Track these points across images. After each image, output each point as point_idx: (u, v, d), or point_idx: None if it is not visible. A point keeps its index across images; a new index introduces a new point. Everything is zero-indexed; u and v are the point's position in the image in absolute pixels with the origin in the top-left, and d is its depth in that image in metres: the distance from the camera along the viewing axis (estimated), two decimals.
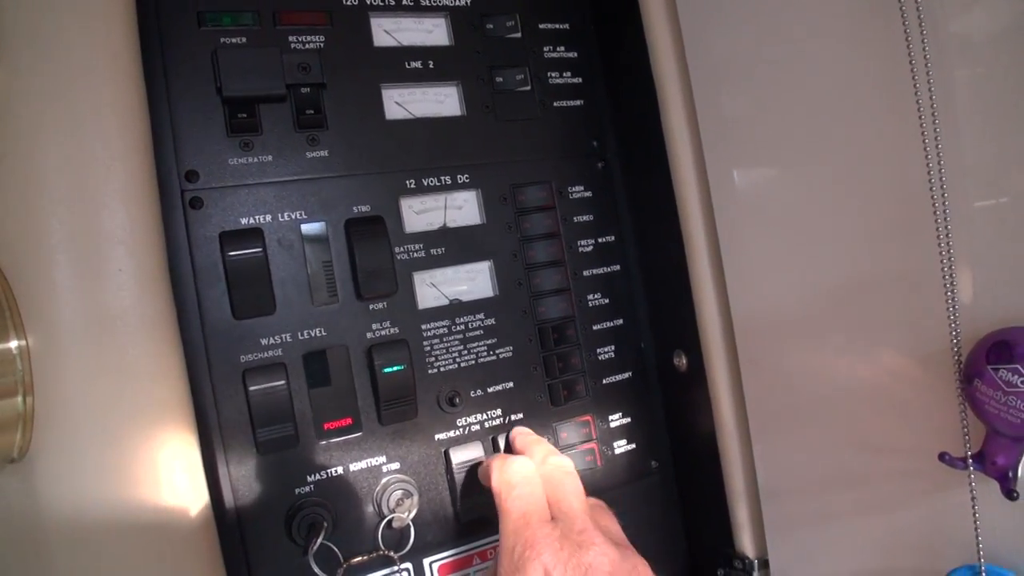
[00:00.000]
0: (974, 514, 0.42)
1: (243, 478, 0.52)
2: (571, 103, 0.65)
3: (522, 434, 0.58)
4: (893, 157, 0.45)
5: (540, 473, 0.51)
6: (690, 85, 0.58)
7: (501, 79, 0.62)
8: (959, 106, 0.41)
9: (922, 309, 0.44)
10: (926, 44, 0.41)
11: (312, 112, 0.55)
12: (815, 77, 0.49)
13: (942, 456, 0.42)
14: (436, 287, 0.59)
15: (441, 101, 0.61)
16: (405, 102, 0.59)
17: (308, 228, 0.55)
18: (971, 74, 0.42)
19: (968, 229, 0.41)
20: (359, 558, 0.53)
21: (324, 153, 0.56)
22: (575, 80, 0.66)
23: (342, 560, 0.52)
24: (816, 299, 0.52)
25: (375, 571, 0.55)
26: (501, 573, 0.46)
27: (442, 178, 0.59)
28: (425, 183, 0.59)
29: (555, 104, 0.65)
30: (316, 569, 0.51)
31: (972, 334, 0.41)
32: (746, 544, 0.60)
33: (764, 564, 0.59)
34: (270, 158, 0.54)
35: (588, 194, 0.65)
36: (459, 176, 0.60)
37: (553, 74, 0.65)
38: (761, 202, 0.55)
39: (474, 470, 0.57)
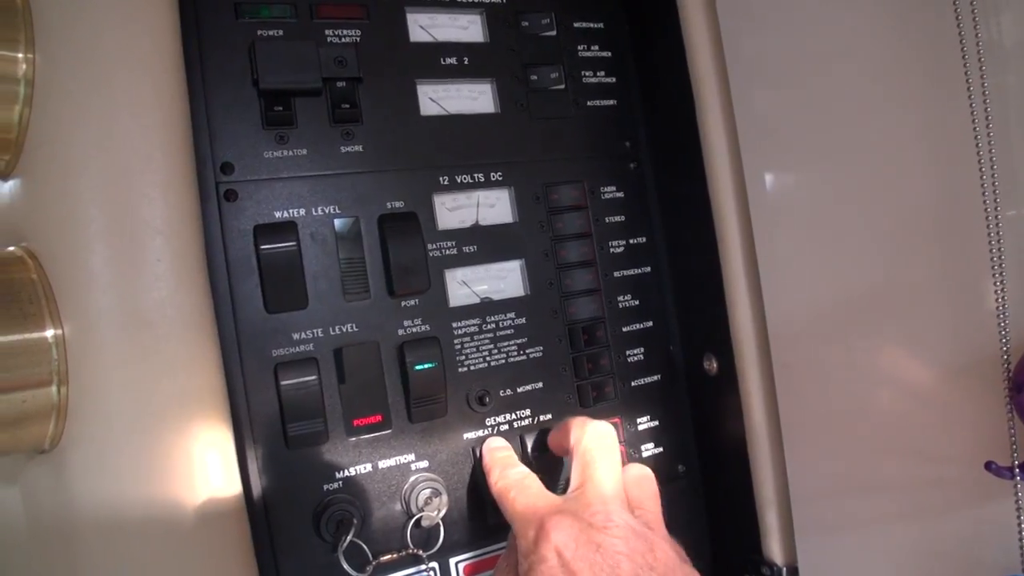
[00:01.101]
0: (1019, 525, 0.41)
1: (272, 473, 0.52)
2: (605, 102, 0.65)
3: (490, 450, 0.56)
4: (939, 159, 0.45)
5: (577, 444, 0.50)
6: (727, 84, 0.57)
7: (535, 77, 0.62)
8: (1012, 108, 0.41)
9: (967, 315, 0.44)
10: (980, 43, 0.40)
11: (347, 106, 0.55)
12: (858, 76, 0.49)
13: (988, 465, 0.41)
14: (467, 285, 0.58)
15: (475, 98, 0.60)
16: (439, 98, 0.59)
17: (341, 223, 0.55)
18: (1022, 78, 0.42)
19: (1018, 234, 0.41)
20: (388, 556, 0.52)
21: (359, 148, 0.55)
22: (609, 79, 0.65)
23: (371, 558, 0.52)
24: (855, 303, 0.51)
25: (401, 569, 0.55)
26: (519, 558, 0.45)
27: (475, 175, 0.59)
28: (458, 180, 0.58)
29: (588, 103, 0.64)
30: (346, 566, 0.50)
31: (1019, 342, 0.41)
32: (774, 551, 0.60)
33: (793, 572, 0.59)
34: (305, 152, 0.54)
35: (620, 195, 0.65)
36: (492, 174, 0.60)
37: (587, 73, 0.64)
38: (799, 204, 0.55)
39: None
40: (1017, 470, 0.40)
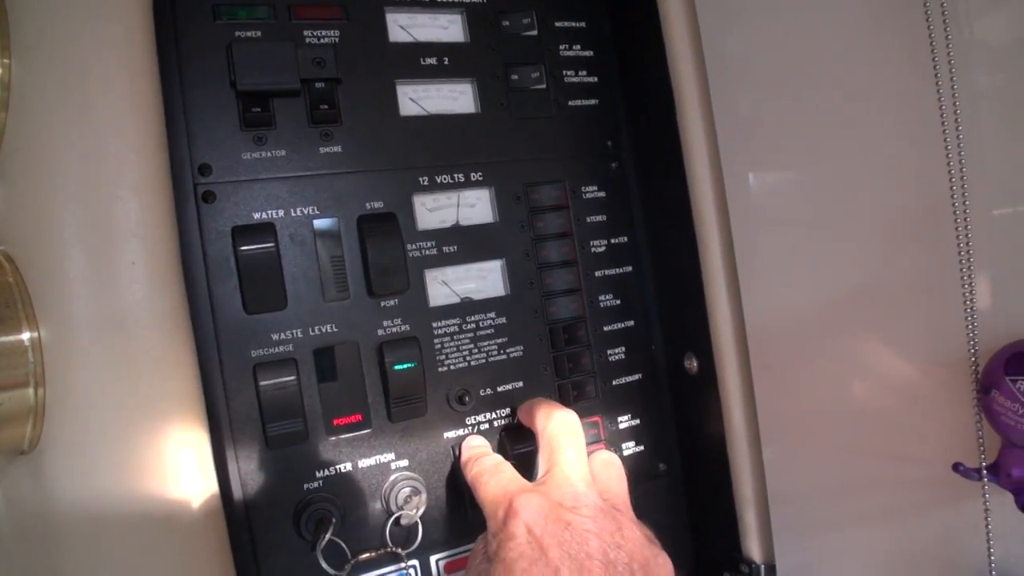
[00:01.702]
0: (987, 526, 0.42)
1: (252, 473, 0.52)
2: (586, 102, 0.65)
3: (469, 447, 0.57)
4: (912, 163, 0.45)
5: (540, 426, 0.51)
6: (707, 85, 0.58)
7: (516, 77, 0.62)
8: (982, 112, 0.41)
9: (939, 318, 0.44)
10: (951, 47, 0.40)
11: (326, 107, 0.55)
12: (835, 80, 0.49)
13: (956, 466, 0.42)
14: (448, 285, 0.58)
15: (455, 98, 0.60)
16: (419, 98, 0.59)
17: (320, 224, 0.55)
18: (994, 79, 0.42)
19: (988, 238, 0.41)
20: (367, 554, 0.53)
21: (338, 148, 0.56)
22: (591, 79, 0.65)
23: (350, 556, 0.52)
24: (831, 305, 0.51)
25: (382, 568, 0.55)
26: (488, 539, 0.46)
27: (455, 175, 0.59)
28: (438, 180, 0.59)
29: (570, 103, 0.64)
30: (324, 564, 0.51)
31: (990, 344, 0.41)
32: (753, 549, 0.60)
33: (771, 570, 0.59)
34: (283, 153, 0.54)
35: (602, 194, 0.65)
36: (472, 174, 0.60)
37: (568, 73, 0.64)
38: (777, 206, 0.55)
39: None
40: (984, 471, 0.41)
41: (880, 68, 0.46)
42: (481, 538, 0.48)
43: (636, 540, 0.44)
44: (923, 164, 0.43)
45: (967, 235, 0.40)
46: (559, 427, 0.51)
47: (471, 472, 0.51)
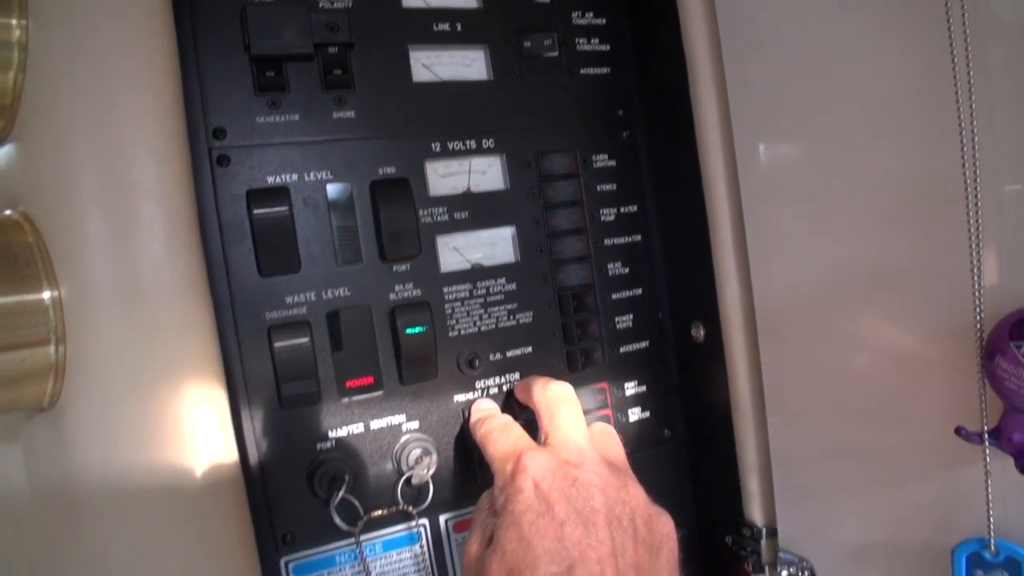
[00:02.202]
0: (987, 488, 0.43)
1: (267, 433, 0.53)
2: (598, 71, 0.65)
3: (478, 409, 0.58)
4: (924, 137, 0.45)
5: (538, 399, 0.52)
6: (721, 55, 0.57)
7: (529, 44, 0.62)
8: (996, 87, 0.41)
9: (946, 285, 0.45)
10: (967, 22, 0.40)
11: (339, 72, 0.55)
12: (850, 52, 0.49)
13: (958, 430, 0.42)
14: (459, 251, 0.59)
15: (468, 65, 0.60)
16: (432, 65, 0.59)
17: (333, 188, 0.55)
18: (1009, 55, 0.42)
19: (997, 210, 0.41)
20: (379, 512, 0.54)
21: (351, 114, 0.56)
22: (603, 47, 0.65)
23: (362, 513, 0.53)
24: (839, 273, 0.52)
25: (393, 526, 0.57)
26: (495, 492, 0.47)
27: (467, 142, 0.60)
28: (450, 147, 0.59)
29: (582, 71, 0.64)
30: (338, 521, 0.52)
31: (995, 311, 0.42)
32: (755, 513, 0.61)
33: (772, 532, 0.60)
34: (297, 117, 0.54)
35: (612, 163, 0.65)
36: (484, 141, 0.60)
37: (581, 40, 0.64)
38: (788, 177, 0.55)
39: None
40: (986, 435, 0.41)
41: (895, 43, 0.46)
42: (487, 493, 0.49)
43: (639, 497, 0.45)
44: (934, 139, 0.44)
45: (976, 209, 0.41)
46: (555, 395, 0.52)
47: (481, 431, 0.52)
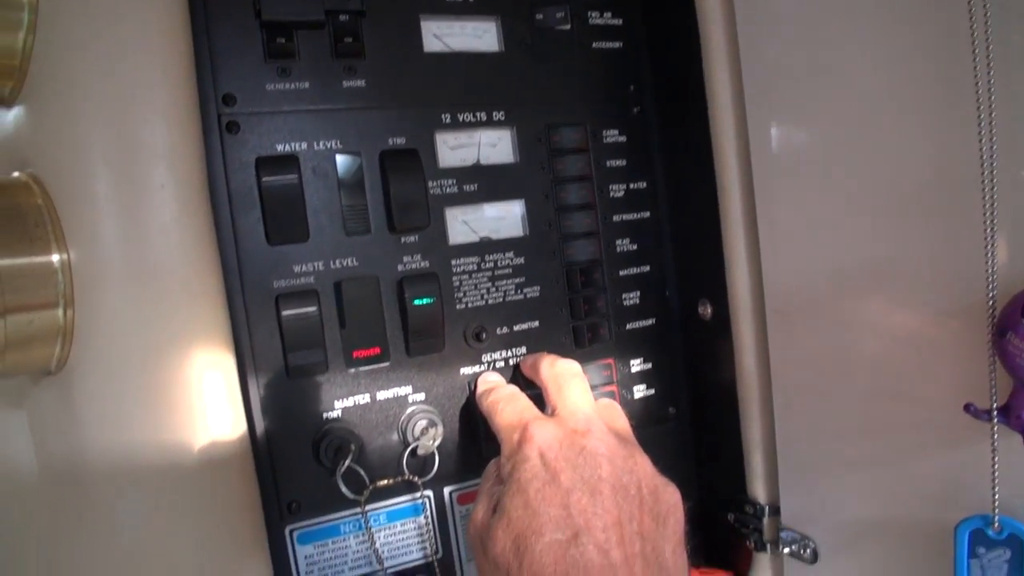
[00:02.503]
0: (993, 466, 0.43)
1: (273, 402, 0.53)
2: (610, 45, 0.64)
3: (484, 380, 0.58)
4: (940, 118, 0.45)
5: (545, 375, 0.52)
6: (735, 31, 0.57)
7: (541, 16, 0.61)
8: (1015, 68, 0.41)
9: (954, 267, 0.45)
10: (987, 3, 0.40)
11: (350, 40, 0.55)
12: (868, 30, 0.49)
13: (967, 407, 0.42)
14: (467, 224, 0.59)
15: (479, 36, 0.60)
16: (443, 35, 0.59)
17: (343, 158, 0.55)
18: None
19: (1012, 190, 0.41)
20: (385, 481, 0.54)
21: (361, 83, 0.55)
22: (615, 21, 0.65)
23: (368, 482, 0.53)
24: (849, 253, 0.52)
25: (398, 496, 0.57)
26: (501, 461, 0.47)
27: (477, 114, 0.59)
28: (460, 118, 0.58)
29: (594, 45, 0.64)
30: (344, 489, 0.52)
31: (1008, 289, 0.42)
32: (759, 491, 0.62)
33: (775, 510, 0.61)
34: (307, 85, 0.54)
35: (622, 139, 0.65)
36: (494, 113, 0.60)
37: (593, 14, 0.64)
38: (801, 155, 0.55)
39: None
40: (995, 412, 0.41)
41: (914, 23, 0.46)
42: (493, 462, 0.49)
43: (646, 467, 0.46)
44: (949, 121, 0.44)
45: (992, 189, 0.41)
46: (563, 370, 0.52)
47: (487, 400, 0.52)
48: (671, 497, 0.46)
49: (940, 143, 0.45)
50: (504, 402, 0.51)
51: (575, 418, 0.47)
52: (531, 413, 0.49)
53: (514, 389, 0.54)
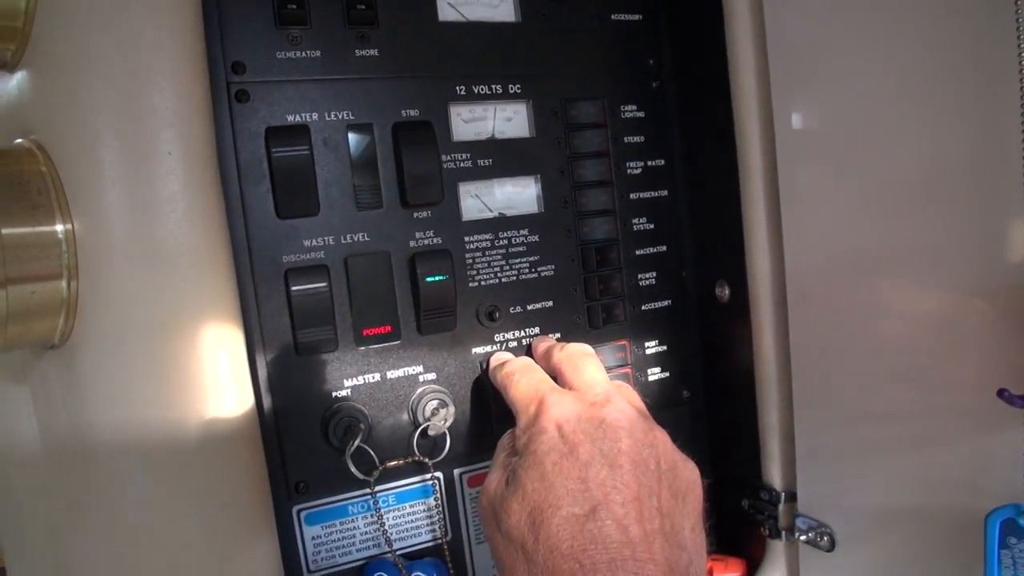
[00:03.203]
0: None
1: (282, 379, 0.52)
2: (629, 17, 0.62)
3: (496, 357, 0.57)
4: (976, 94, 0.43)
5: (558, 357, 0.51)
6: (761, 3, 0.55)
7: None
8: None
9: (988, 244, 0.43)
10: None
11: (363, 7, 0.53)
12: (900, 4, 0.47)
13: (1001, 392, 0.41)
14: (481, 199, 0.57)
15: (495, 6, 0.58)
16: (458, 4, 0.57)
17: (355, 129, 0.53)
18: None
19: None
20: (395, 462, 0.53)
21: (374, 52, 0.54)
22: None
23: (377, 463, 0.52)
24: (873, 236, 0.50)
25: (407, 478, 0.56)
26: (517, 433, 0.46)
27: (493, 87, 0.57)
28: (475, 90, 0.57)
29: (612, 17, 0.62)
30: (353, 469, 0.51)
31: None
32: (774, 476, 0.60)
33: (791, 496, 0.59)
34: (318, 54, 0.52)
35: (641, 114, 0.63)
36: (510, 86, 0.58)
37: None
38: (827, 134, 0.53)
39: None
40: None
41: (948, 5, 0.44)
42: (508, 433, 0.48)
43: (666, 442, 0.44)
44: (985, 98, 0.42)
45: None
46: (576, 350, 0.51)
47: (502, 372, 0.51)
48: (691, 474, 0.45)
49: (973, 122, 0.43)
50: (520, 373, 0.49)
51: (593, 391, 0.46)
52: (548, 385, 0.48)
53: (529, 361, 0.52)
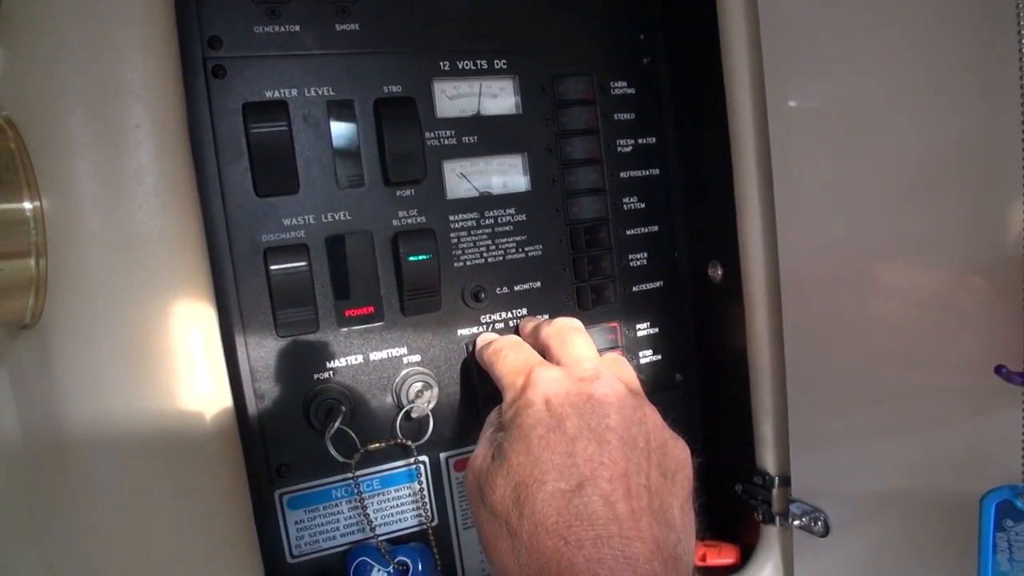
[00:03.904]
0: (1023, 432, 0.40)
1: (262, 360, 0.51)
2: None
3: (483, 337, 0.55)
4: (975, 74, 0.42)
5: (545, 333, 0.50)
6: None
7: None
8: None
9: (983, 220, 0.42)
10: None
11: None
12: None
13: (999, 369, 0.40)
14: (466, 177, 0.56)
15: None
16: None
17: (335, 106, 0.52)
18: None
19: None
20: (376, 444, 0.52)
21: (355, 26, 0.52)
22: None
23: (359, 445, 0.51)
24: (874, 210, 0.49)
25: (392, 461, 0.55)
26: (503, 408, 0.45)
27: (478, 62, 0.56)
28: (460, 66, 0.55)
29: None
30: (333, 451, 0.50)
31: None
32: (768, 461, 0.59)
33: (785, 481, 0.58)
34: (297, 28, 0.51)
35: (631, 91, 0.61)
36: (496, 61, 0.56)
37: None
38: (821, 112, 0.51)
39: None
40: None
41: None
42: (496, 410, 0.47)
43: (655, 420, 0.43)
44: (985, 78, 0.40)
45: None
46: (564, 325, 0.50)
47: (489, 349, 0.50)
48: (681, 452, 0.43)
49: (971, 101, 0.42)
50: (507, 349, 0.48)
51: (582, 367, 0.45)
52: (536, 359, 0.47)
53: (517, 339, 0.51)
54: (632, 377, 0.47)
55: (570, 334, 0.48)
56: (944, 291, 0.45)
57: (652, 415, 0.43)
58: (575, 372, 0.44)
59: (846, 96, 0.50)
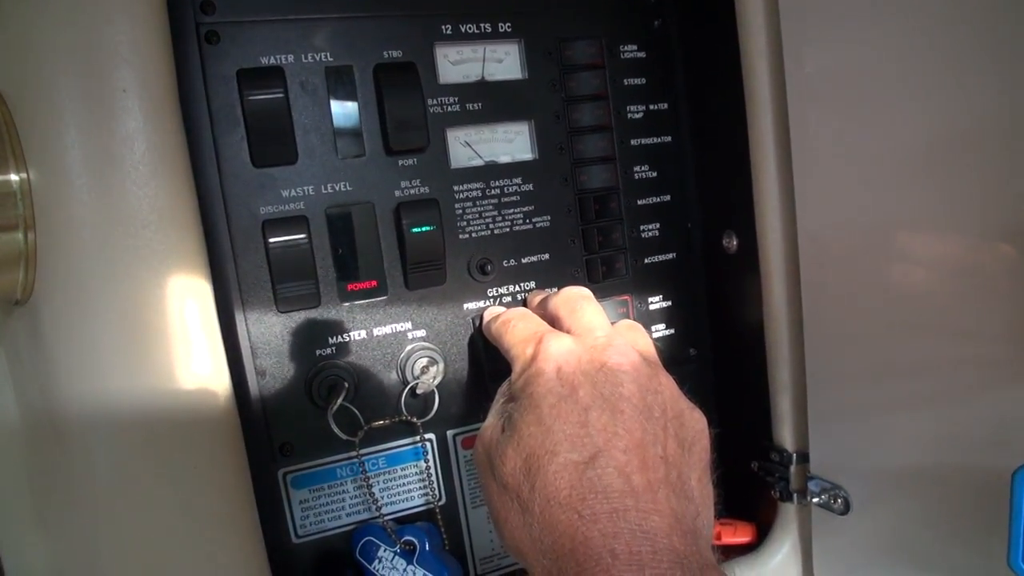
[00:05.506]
0: None
1: (262, 336, 0.50)
2: None
3: (490, 311, 0.54)
4: (999, 32, 0.39)
5: (554, 302, 0.48)
6: None
7: None
8: None
9: (1016, 185, 0.39)
10: None
11: None
12: None
13: None
14: (471, 146, 0.54)
15: None
16: None
17: (333, 72, 0.50)
18: None
19: None
20: (380, 422, 0.51)
21: None
22: None
23: (363, 423, 0.50)
24: (897, 176, 0.46)
25: (398, 439, 0.54)
26: (512, 378, 0.43)
27: (482, 25, 0.54)
28: (463, 29, 0.53)
29: None
30: (336, 430, 0.49)
31: None
32: (785, 437, 0.57)
33: (803, 457, 0.56)
34: None
35: (641, 55, 0.59)
36: (501, 24, 0.54)
37: None
38: (841, 76, 0.49)
39: None
40: None
41: None
42: (506, 382, 0.45)
43: (672, 389, 0.41)
44: (1013, 43, 0.38)
45: None
46: (573, 293, 0.48)
47: (498, 321, 0.48)
48: (698, 423, 0.42)
49: (997, 67, 0.40)
50: (516, 319, 0.47)
51: (592, 334, 0.43)
52: (546, 328, 0.45)
53: (526, 310, 0.49)
54: (647, 345, 0.45)
55: (580, 302, 0.46)
56: (971, 260, 0.43)
57: (668, 384, 0.42)
58: (587, 340, 0.42)
59: (866, 61, 0.47)
